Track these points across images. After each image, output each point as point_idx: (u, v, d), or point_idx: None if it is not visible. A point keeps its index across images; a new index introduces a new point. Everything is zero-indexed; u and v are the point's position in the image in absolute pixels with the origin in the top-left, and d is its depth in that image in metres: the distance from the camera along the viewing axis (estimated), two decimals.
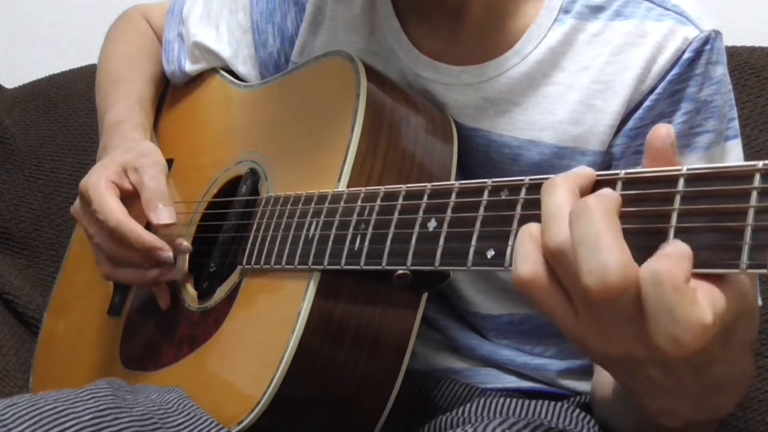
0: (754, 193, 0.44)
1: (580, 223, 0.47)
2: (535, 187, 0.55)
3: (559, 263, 0.48)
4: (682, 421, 0.55)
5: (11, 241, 1.31)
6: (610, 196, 0.48)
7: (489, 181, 0.59)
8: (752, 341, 0.54)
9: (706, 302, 0.45)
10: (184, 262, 0.91)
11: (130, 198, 0.88)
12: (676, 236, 0.47)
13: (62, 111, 1.42)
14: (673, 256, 0.45)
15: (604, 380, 0.76)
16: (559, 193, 0.49)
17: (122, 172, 0.89)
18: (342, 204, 0.72)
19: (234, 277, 0.82)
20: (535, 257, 0.50)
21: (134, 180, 0.89)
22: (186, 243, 0.88)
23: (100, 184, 0.86)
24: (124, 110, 1.02)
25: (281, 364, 0.71)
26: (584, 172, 0.51)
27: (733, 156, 0.82)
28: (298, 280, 0.74)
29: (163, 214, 0.86)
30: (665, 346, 0.45)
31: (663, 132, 0.50)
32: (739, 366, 0.54)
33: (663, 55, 0.79)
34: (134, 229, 0.84)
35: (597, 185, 0.51)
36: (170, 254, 0.85)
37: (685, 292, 0.44)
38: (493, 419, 0.68)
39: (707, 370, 0.51)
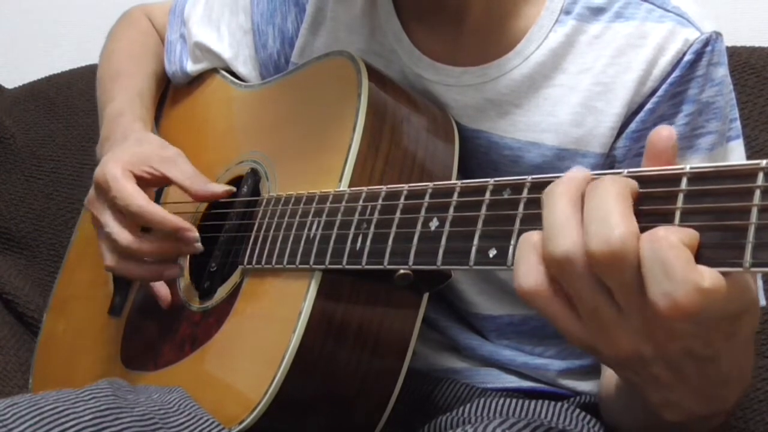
0: (758, 192, 0.44)
1: (592, 201, 0.47)
2: (538, 186, 0.55)
3: (563, 272, 0.48)
4: (686, 415, 0.55)
5: (11, 241, 1.31)
6: (625, 179, 0.48)
7: (491, 181, 0.59)
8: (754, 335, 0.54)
9: (706, 271, 0.45)
10: (185, 261, 0.91)
11: (144, 187, 0.87)
12: None
13: (62, 111, 1.42)
14: (671, 227, 0.45)
15: (609, 378, 0.76)
16: (561, 202, 0.49)
17: (140, 162, 0.88)
18: (344, 204, 0.72)
19: (235, 277, 0.82)
20: (538, 267, 0.50)
21: (162, 169, 0.88)
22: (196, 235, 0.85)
23: (118, 172, 0.86)
24: (124, 103, 1.02)
25: (282, 364, 0.71)
26: (580, 174, 0.51)
27: (736, 157, 0.82)
28: (300, 279, 0.74)
29: (219, 187, 0.87)
30: (659, 302, 0.45)
31: (665, 134, 0.50)
32: (743, 359, 0.55)
33: (664, 57, 0.78)
34: (158, 211, 0.84)
35: None
36: (197, 234, 0.84)
37: (681, 250, 0.44)
38: (493, 419, 0.68)
39: (712, 364, 0.51)
